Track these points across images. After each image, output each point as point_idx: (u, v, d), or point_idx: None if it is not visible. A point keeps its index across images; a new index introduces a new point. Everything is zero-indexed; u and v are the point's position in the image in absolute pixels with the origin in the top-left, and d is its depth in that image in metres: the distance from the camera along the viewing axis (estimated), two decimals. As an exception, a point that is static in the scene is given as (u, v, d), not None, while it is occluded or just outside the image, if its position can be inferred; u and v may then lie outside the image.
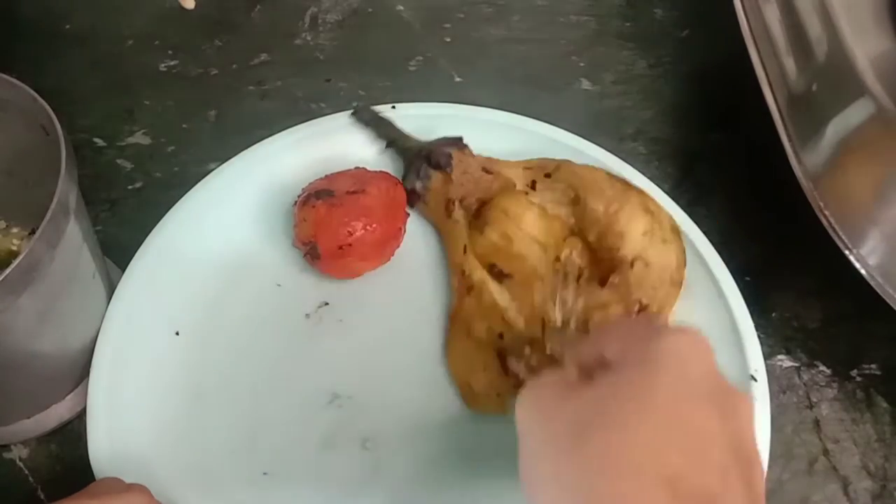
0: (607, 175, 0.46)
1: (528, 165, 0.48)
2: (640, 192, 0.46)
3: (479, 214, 0.46)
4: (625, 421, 0.25)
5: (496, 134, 0.51)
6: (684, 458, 0.25)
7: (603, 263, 0.44)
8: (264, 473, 0.41)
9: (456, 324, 0.44)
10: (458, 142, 0.48)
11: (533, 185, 0.46)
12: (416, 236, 0.49)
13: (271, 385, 0.44)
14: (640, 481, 0.24)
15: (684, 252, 0.45)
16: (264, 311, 0.46)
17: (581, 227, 0.45)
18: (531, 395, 0.30)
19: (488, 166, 0.47)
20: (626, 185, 0.45)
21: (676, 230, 0.45)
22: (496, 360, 0.42)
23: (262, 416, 0.43)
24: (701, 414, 0.26)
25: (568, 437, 0.26)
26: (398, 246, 0.48)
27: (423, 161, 0.48)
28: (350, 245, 0.44)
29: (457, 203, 0.47)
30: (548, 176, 0.46)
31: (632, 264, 0.43)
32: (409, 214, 0.48)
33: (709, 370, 0.28)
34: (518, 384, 0.41)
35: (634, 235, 0.43)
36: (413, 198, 0.48)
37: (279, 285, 0.47)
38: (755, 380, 0.42)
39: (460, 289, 0.45)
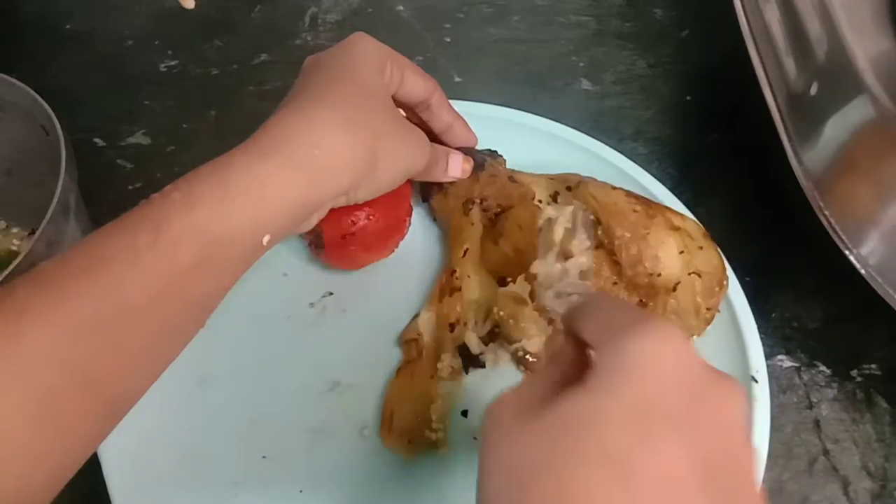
0: (626, 196, 0.45)
1: (552, 177, 0.47)
2: (662, 208, 0.45)
3: (495, 223, 0.45)
4: (571, 467, 0.22)
5: (502, 131, 0.51)
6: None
7: (641, 289, 0.43)
8: (263, 457, 0.42)
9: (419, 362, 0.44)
10: (493, 152, 0.49)
11: (555, 197, 0.46)
12: (421, 230, 0.49)
13: (274, 371, 0.44)
14: None
15: (720, 252, 0.45)
16: (270, 300, 0.47)
17: (610, 250, 0.44)
18: (498, 409, 0.26)
19: (515, 177, 0.47)
20: (647, 205, 0.44)
21: (706, 234, 0.45)
22: (428, 412, 0.42)
23: (263, 401, 0.43)
24: (663, 447, 0.23)
25: (518, 474, 0.23)
26: (402, 238, 0.48)
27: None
28: (353, 234, 0.44)
29: (476, 203, 0.46)
30: (569, 189, 0.46)
31: (674, 288, 0.43)
32: (413, 207, 0.48)
33: (686, 376, 0.25)
34: (436, 442, 0.41)
35: (672, 256, 0.43)
36: (434, 188, 0.48)
37: (285, 275, 0.48)
38: (756, 381, 0.42)
39: (443, 289, 0.45)
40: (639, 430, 0.23)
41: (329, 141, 0.35)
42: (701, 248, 0.44)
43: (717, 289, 0.44)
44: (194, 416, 0.43)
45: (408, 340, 0.44)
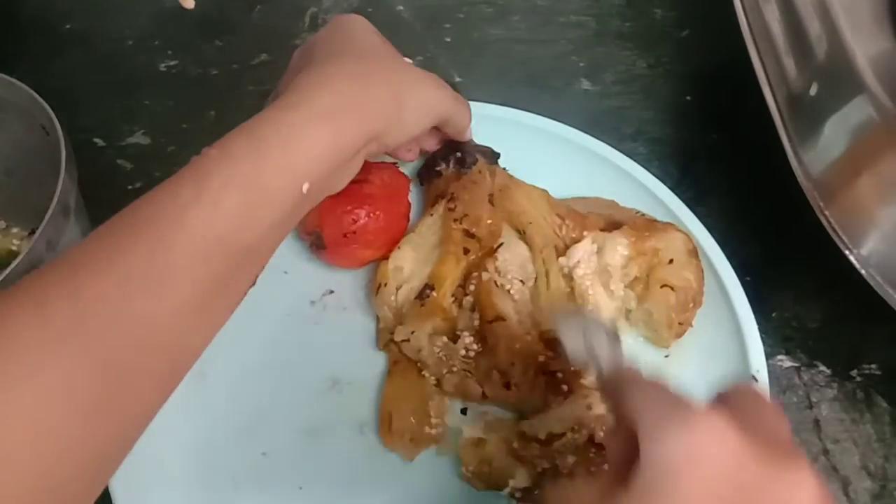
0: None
1: (560, 212, 0.46)
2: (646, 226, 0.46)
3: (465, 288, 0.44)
4: None
5: (502, 130, 0.51)
6: None
7: None
8: (263, 454, 0.42)
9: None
10: (493, 154, 0.49)
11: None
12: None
13: (274, 368, 0.45)
14: None
15: (700, 269, 0.45)
16: (270, 298, 0.46)
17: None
18: None
19: (501, 196, 0.47)
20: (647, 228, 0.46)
21: (692, 251, 0.45)
22: (425, 408, 0.42)
23: (263, 398, 0.44)
24: None
25: None
26: (402, 235, 0.48)
27: (453, 151, 0.48)
28: (354, 233, 0.45)
29: (444, 200, 0.46)
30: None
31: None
32: (411, 204, 0.48)
33: (738, 472, 0.23)
34: (436, 438, 0.41)
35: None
36: (431, 174, 0.49)
37: (286, 273, 0.48)
38: (756, 380, 0.42)
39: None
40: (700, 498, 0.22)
41: (349, 88, 0.37)
42: (671, 261, 0.44)
43: (690, 305, 0.44)
44: (194, 412, 0.43)
45: (386, 344, 0.44)
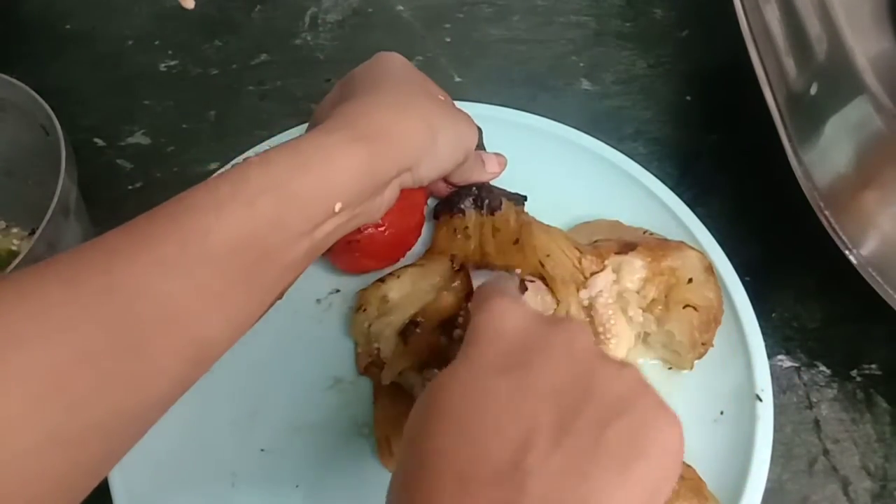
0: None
1: (580, 247, 0.45)
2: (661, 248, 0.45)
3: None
4: (425, 428, 0.28)
5: (502, 131, 0.51)
6: (470, 450, 0.26)
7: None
8: (262, 450, 0.42)
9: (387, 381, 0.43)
10: (518, 198, 0.48)
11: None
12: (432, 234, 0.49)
13: (277, 364, 0.45)
14: (431, 485, 0.26)
15: (719, 287, 0.44)
16: None
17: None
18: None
19: (522, 232, 0.45)
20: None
21: (708, 267, 0.44)
22: None
23: (264, 393, 0.44)
24: (498, 392, 0.28)
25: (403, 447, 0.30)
26: (409, 248, 0.47)
27: (479, 192, 0.47)
28: (358, 242, 0.44)
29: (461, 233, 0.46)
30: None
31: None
32: (425, 218, 0.48)
33: (521, 333, 0.30)
34: None
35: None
36: (454, 212, 0.47)
37: None
38: (760, 400, 0.42)
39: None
40: (476, 385, 0.28)
41: (386, 118, 0.38)
42: (690, 280, 0.44)
43: (712, 324, 0.43)
44: (195, 407, 0.42)
45: (366, 367, 0.44)
